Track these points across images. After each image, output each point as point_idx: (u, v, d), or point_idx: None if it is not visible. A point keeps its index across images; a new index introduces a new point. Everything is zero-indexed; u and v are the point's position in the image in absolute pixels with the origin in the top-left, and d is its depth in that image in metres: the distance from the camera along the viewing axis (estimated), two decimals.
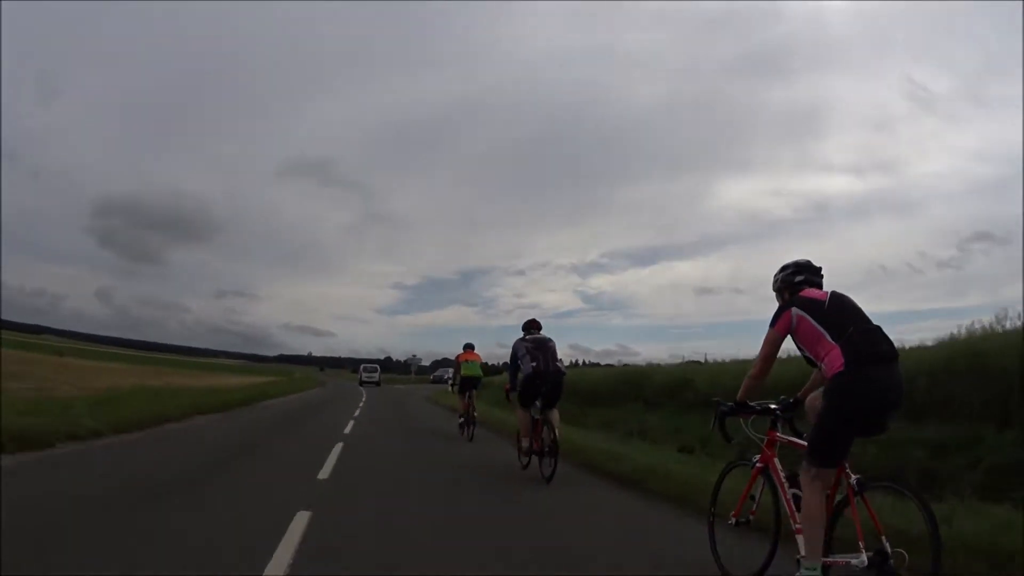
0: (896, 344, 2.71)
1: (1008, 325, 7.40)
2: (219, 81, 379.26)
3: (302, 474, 5.83)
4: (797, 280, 2.94)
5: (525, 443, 6.72)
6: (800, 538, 2.64)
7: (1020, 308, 7.60)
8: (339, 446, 7.83)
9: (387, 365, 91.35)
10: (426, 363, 79.02)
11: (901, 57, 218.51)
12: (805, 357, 2.82)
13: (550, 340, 6.67)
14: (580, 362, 45.78)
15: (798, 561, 2.62)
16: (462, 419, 10.27)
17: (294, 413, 14.88)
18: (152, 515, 3.97)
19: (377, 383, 45.89)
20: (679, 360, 15.89)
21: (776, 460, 3.00)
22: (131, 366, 33.60)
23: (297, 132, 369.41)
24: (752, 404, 3.06)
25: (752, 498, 3.13)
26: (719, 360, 11.67)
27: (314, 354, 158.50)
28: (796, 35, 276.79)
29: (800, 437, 2.93)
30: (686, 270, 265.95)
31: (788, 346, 2.93)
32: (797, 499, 2.75)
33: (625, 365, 20.43)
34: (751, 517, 3.12)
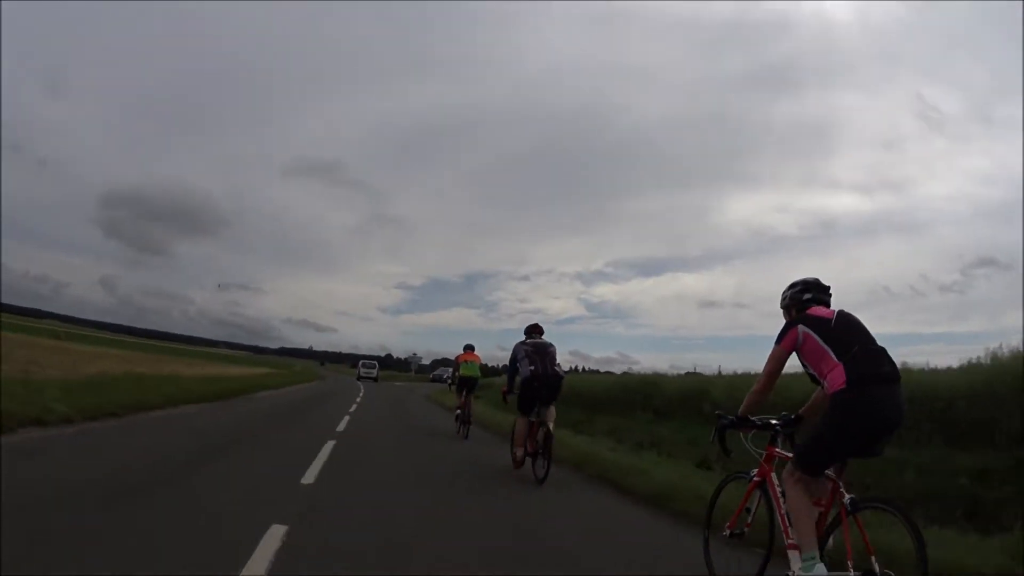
0: (900, 366, 2.73)
1: None
2: (230, 81, 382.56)
3: (284, 478, 5.18)
4: (805, 298, 2.96)
5: (519, 452, 6.55)
6: (793, 554, 2.66)
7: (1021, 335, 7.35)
8: (330, 444, 7.31)
9: (387, 362, 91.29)
10: (426, 362, 79.06)
11: (911, 74, 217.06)
12: (809, 374, 2.84)
13: (550, 345, 6.65)
14: (580, 368, 45.82)
15: None
16: (459, 412, 10.71)
17: (288, 406, 14.41)
18: (76, 532, 3.08)
19: (375, 379, 46.59)
20: (679, 371, 15.55)
21: (773, 475, 3.02)
22: (129, 352, 33.11)
23: (306, 133, 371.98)
24: (753, 419, 3.07)
25: (748, 511, 3.17)
26: (736, 372, 11.09)
27: (315, 348, 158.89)
28: (805, 51, 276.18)
29: None
30: (690, 282, 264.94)
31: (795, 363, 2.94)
32: (791, 520, 2.76)
33: (625, 373, 19.95)
34: (746, 530, 3.15)
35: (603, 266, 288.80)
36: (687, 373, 15.00)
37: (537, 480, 6.07)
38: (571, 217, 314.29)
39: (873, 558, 2.40)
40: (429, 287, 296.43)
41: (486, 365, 17.39)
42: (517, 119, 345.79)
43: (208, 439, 7.12)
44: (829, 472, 2.71)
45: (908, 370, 7.69)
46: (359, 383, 36.73)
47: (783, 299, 3.07)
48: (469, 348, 11.11)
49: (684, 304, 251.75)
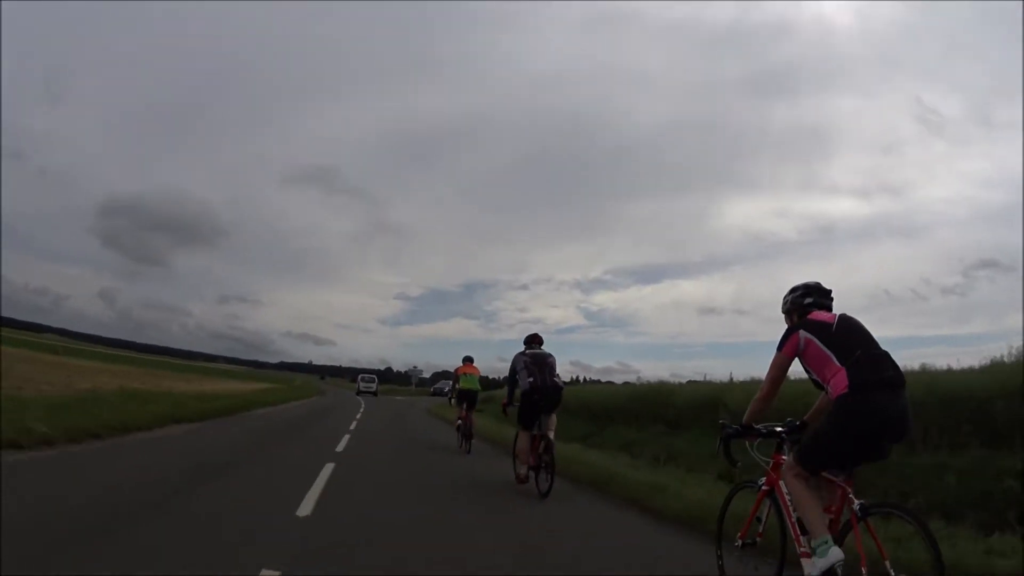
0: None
1: None
2: (228, 88, 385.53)
3: (277, 509, 4.60)
4: (806, 302, 2.94)
5: (522, 470, 6.44)
6: (806, 561, 2.62)
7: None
8: (329, 467, 6.87)
9: (387, 376, 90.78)
10: (426, 375, 78.51)
11: (911, 77, 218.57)
12: (812, 380, 2.82)
13: (550, 356, 6.60)
14: (580, 379, 45.38)
15: None
16: (459, 422, 10.60)
17: (286, 423, 14.02)
18: None
19: (374, 393, 46.43)
20: (680, 380, 15.17)
21: (782, 483, 2.93)
22: (126, 367, 32.71)
23: (304, 140, 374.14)
24: (758, 427, 3.03)
25: (759, 520, 3.13)
26: (751, 379, 10.63)
27: (315, 362, 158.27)
28: (804, 55, 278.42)
29: None
30: (689, 289, 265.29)
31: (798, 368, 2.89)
32: (802, 523, 2.71)
33: (627, 383, 19.50)
34: (757, 539, 3.13)
35: (602, 273, 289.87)
36: (690, 381, 14.61)
37: (540, 494, 5.94)
38: (569, 224, 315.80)
39: (887, 563, 2.36)
40: (428, 297, 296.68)
41: (486, 377, 17.11)
42: (515, 125, 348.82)
43: (196, 464, 6.48)
44: (838, 480, 2.67)
45: (930, 372, 7.43)
46: (359, 398, 36.26)
47: (784, 304, 3.05)
48: (468, 360, 11.01)
49: (683, 311, 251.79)
